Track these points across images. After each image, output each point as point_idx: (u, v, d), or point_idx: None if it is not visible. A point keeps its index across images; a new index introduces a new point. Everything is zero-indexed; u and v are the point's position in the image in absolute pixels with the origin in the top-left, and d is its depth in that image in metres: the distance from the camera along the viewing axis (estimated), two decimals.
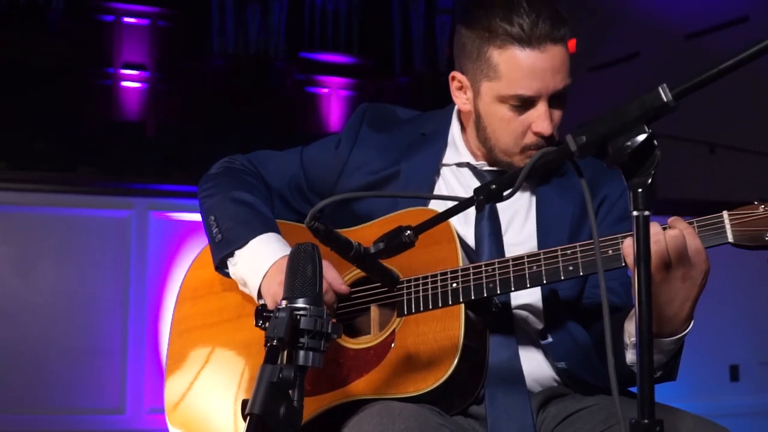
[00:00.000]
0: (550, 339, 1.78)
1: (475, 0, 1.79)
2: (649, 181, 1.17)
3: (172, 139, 9.03)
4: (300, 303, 1.29)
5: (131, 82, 11.01)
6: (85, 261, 5.46)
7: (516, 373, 1.71)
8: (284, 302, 1.31)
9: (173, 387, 1.88)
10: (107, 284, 5.37)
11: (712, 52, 9.61)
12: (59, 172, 6.84)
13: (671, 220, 1.53)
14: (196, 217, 5.56)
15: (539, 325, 1.80)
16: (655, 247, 1.46)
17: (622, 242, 1.54)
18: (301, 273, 1.31)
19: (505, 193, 1.30)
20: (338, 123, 11.66)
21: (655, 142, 1.18)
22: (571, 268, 1.56)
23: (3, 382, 5.15)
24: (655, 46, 10.43)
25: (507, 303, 1.73)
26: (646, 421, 1.14)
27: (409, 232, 1.38)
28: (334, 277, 1.62)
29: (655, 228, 1.48)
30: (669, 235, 1.49)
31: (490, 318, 1.70)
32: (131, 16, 11.17)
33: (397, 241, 1.38)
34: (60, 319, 5.33)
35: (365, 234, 1.76)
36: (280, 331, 1.24)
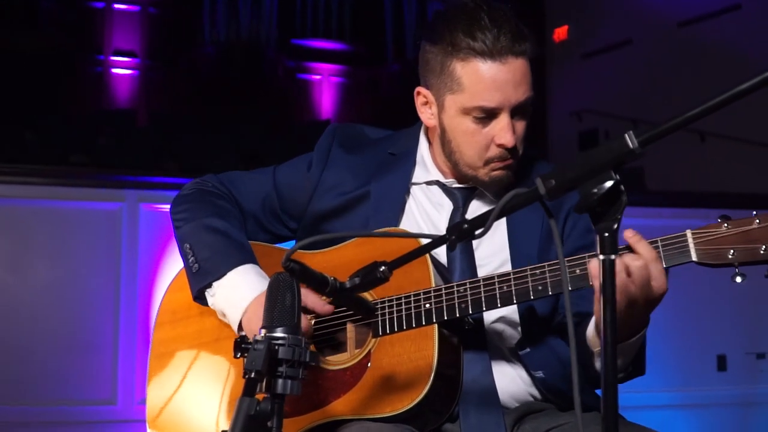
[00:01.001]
0: (528, 349, 1.82)
1: (439, 17, 1.82)
2: (615, 226, 1.21)
3: (163, 128, 9.02)
4: (278, 332, 1.31)
5: (122, 69, 11.00)
6: (75, 253, 5.47)
7: (489, 390, 1.75)
8: (263, 331, 1.34)
9: (153, 407, 1.91)
10: (98, 276, 5.38)
11: (704, 40, 9.63)
12: (50, 161, 6.86)
13: (634, 241, 1.55)
14: None
15: (516, 338, 1.83)
16: (620, 282, 1.49)
17: (588, 262, 1.57)
18: (279, 302, 1.34)
19: (477, 232, 1.33)
20: (330, 110, 11.67)
21: (622, 187, 1.20)
22: (540, 287, 1.60)
23: None
24: (648, 33, 10.45)
25: (480, 320, 1.77)
26: None
27: (383, 267, 1.41)
28: (315, 300, 1.65)
29: (619, 266, 1.51)
30: (634, 267, 1.52)
31: (464, 335, 1.74)
32: (122, 3, 11.14)
33: (372, 277, 1.41)
34: (51, 312, 5.35)
35: (339, 255, 1.81)
36: (257, 364, 1.27)
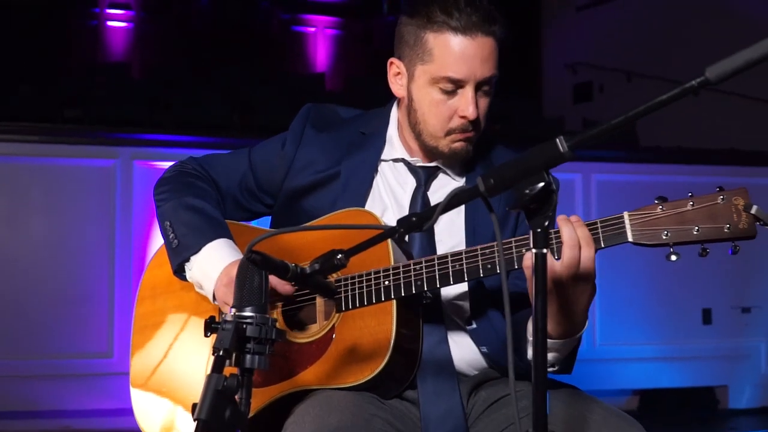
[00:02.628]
0: (474, 325, 1.93)
1: None
2: (546, 223, 1.30)
3: (157, 80, 9.03)
4: (247, 312, 1.43)
5: (117, 21, 10.98)
6: (71, 209, 5.56)
7: (445, 359, 1.86)
8: (233, 310, 1.45)
9: (137, 375, 2.05)
10: (93, 232, 5.48)
11: None
12: (45, 115, 6.89)
13: (572, 225, 1.64)
14: None
15: (467, 313, 1.95)
16: (551, 275, 1.60)
17: (527, 250, 1.66)
18: (248, 284, 1.45)
19: (424, 227, 1.43)
20: (325, 62, 11.65)
21: (554, 187, 1.30)
22: (489, 266, 1.69)
23: None
24: None
25: (437, 294, 1.88)
26: None
27: (340, 255, 1.51)
28: (278, 281, 1.75)
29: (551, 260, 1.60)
30: (565, 258, 1.61)
31: (423, 309, 1.85)
32: None
33: (329, 264, 1.52)
34: (48, 268, 5.46)
35: (309, 233, 1.93)
36: (225, 343, 1.38)
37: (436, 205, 1.38)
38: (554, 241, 1.65)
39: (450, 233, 1.97)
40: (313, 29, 11.74)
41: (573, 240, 1.61)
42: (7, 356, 5.34)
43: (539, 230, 1.30)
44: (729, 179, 6.72)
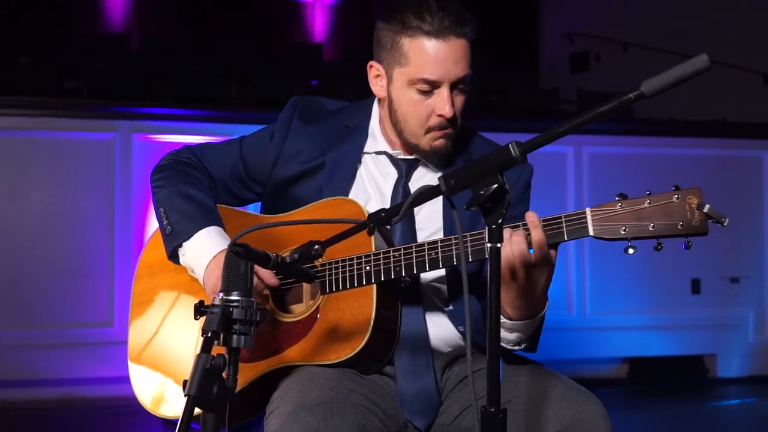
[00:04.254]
0: (451, 307, 2.06)
1: (394, 0, 2.04)
2: (500, 220, 1.45)
3: (156, 52, 9.07)
4: (234, 296, 1.56)
5: None
6: (71, 182, 5.69)
7: (421, 337, 1.99)
8: (221, 294, 1.58)
9: (134, 347, 2.19)
10: (93, 204, 5.61)
11: None
12: (45, 87, 6.97)
13: (531, 225, 1.76)
14: (179, 138, 5.75)
15: (445, 296, 2.07)
16: (505, 264, 1.74)
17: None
18: (235, 270, 1.58)
19: (393, 220, 1.57)
20: (322, 33, 11.70)
21: (506, 188, 1.45)
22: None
23: None
24: None
25: (416, 279, 2.00)
26: (493, 409, 1.42)
27: (317, 246, 1.65)
28: (265, 272, 1.88)
29: (505, 250, 1.73)
30: (516, 249, 1.75)
31: (403, 292, 1.97)
32: None
33: (307, 254, 1.66)
34: (49, 239, 5.59)
35: (300, 216, 2.05)
36: (213, 325, 1.51)
37: (402, 202, 1.51)
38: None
39: (430, 221, 2.08)
40: (311, 0, 11.79)
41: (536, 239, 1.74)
42: (10, 326, 5.48)
43: (494, 226, 1.43)
44: (721, 151, 6.80)
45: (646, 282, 6.56)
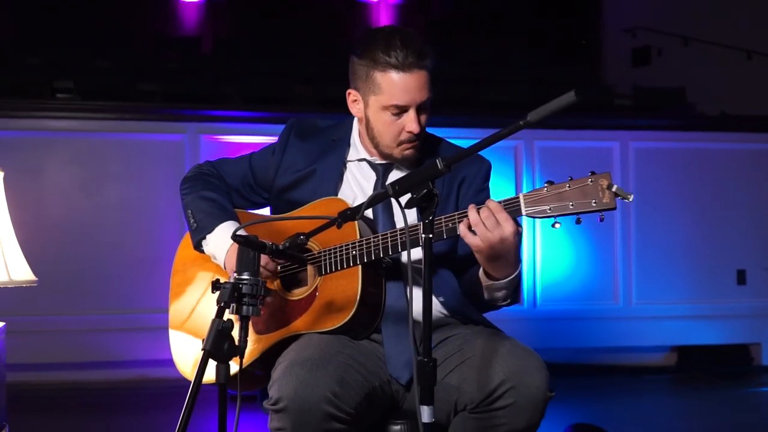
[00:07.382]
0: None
1: (364, 38, 2.43)
2: (431, 217, 1.90)
3: (226, 54, 9.40)
4: (244, 276, 2.00)
5: None
6: (143, 179, 6.14)
7: (403, 309, 2.36)
8: (235, 274, 2.02)
9: (174, 319, 2.67)
10: (163, 201, 6.01)
11: None
12: (121, 91, 7.35)
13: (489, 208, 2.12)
14: (243, 138, 6.13)
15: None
16: (473, 242, 2.12)
17: (459, 222, 2.15)
18: (245, 256, 2.02)
19: (356, 218, 2.04)
20: None
21: (435, 192, 1.89)
22: (431, 235, 2.10)
23: (74, 288, 5.90)
24: None
25: (397, 259, 2.40)
26: (426, 359, 1.87)
27: (302, 236, 2.12)
28: (264, 258, 2.27)
29: (463, 228, 2.12)
30: (479, 233, 2.11)
31: (386, 270, 2.38)
32: None
33: (295, 242, 2.12)
34: (123, 232, 6.04)
35: (305, 213, 2.47)
36: (224, 297, 1.96)
37: (363, 203, 2.00)
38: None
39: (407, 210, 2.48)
40: (375, 0, 12.05)
41: (475, 220, 2.10)
42: (90, 311, 5.93)
43: (427, 222, 1.90)
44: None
45: (691, 272, 6.74)
